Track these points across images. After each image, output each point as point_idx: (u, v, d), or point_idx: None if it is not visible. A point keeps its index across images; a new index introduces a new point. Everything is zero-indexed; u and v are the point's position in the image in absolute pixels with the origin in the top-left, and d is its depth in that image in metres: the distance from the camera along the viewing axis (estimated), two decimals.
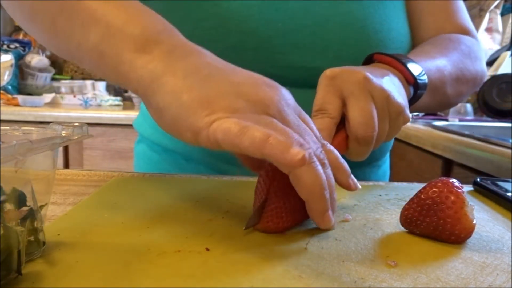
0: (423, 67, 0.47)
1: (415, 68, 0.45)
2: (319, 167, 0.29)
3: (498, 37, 1.83)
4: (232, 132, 0.27)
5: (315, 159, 0.29)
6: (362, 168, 0.59)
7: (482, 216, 0.37)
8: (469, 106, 1.57)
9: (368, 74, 0.39)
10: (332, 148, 0.34)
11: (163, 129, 0.32)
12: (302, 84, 0.51)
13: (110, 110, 1.72)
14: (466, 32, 0.62)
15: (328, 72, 0.40)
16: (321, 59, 0.51)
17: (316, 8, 0.51)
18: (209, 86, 0.30)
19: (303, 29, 0.50)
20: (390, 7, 0.54)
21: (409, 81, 0.45)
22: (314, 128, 0.34)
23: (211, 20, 0.49)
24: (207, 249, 0.28)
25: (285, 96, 0.33)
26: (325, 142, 0.34)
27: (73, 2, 0.34)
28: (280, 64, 0.51)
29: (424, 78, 0.46)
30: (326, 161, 0.31)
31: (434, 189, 0.30)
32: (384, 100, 0.38)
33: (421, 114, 1.60)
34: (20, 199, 0.24)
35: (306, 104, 0.51)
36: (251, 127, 0.27)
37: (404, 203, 0.33)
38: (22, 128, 0.31)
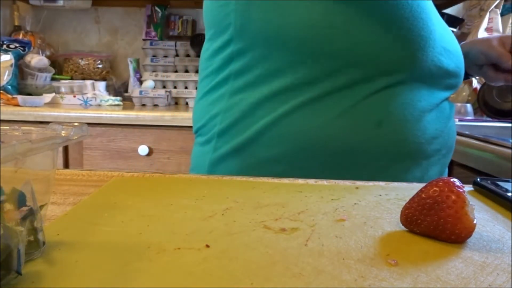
0: None
1: None
2: None
3: None
4: None
5: None
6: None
7: (482, 216, 0.37)
8: (469, 106, 1.57)
9: None
10: None
11: None
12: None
13: (110, 110, 1.72)
14: None
15: None
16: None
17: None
18: None
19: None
20: (432, 8, 0.58)
21: None
22: None
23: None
24: (207, 246, 0.28)
25: None
26: None
27: None
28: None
29: None
30: None
31: (435, 188, 0.30)
32: None
33: None
34: (20, 199, 0.24)
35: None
36: None
37: (404, 203, 0.33)
38: (22, 128, 0.31)
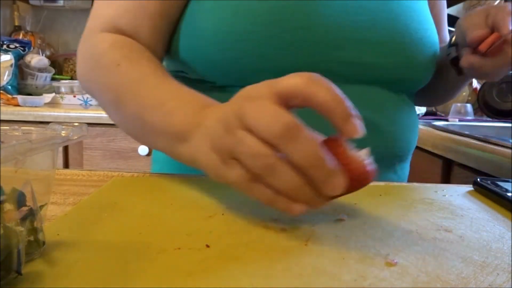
0: None
1: None
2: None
3: None
4: None
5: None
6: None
7: (482, 216, 0.37)
8: (469, 106, 1.57)
9: None
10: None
11: None
12: (354, 80, 0.52)
13: None
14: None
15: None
16: (373, 55, 0.52)
17: (368, 4, 0.52)
18: None
19: (355, 24, 0.52)
20: (421, 5, 0.58)
21: None
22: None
23: (266, 16, 0.49)
24: (207, 246, 0.28)
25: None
26: None
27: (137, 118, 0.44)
28: (334, 60, 0.52)
29: None
30: None
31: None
32: None
33: (421, 114, 1.61)
34: (20, 199, 0.24)
35: (358, 100, 0.51)
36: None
37: (405, 202, 0.33)
38: (22, 128, 0.31)
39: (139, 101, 0.44)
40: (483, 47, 0.52)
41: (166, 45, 0.56)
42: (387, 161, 0.56)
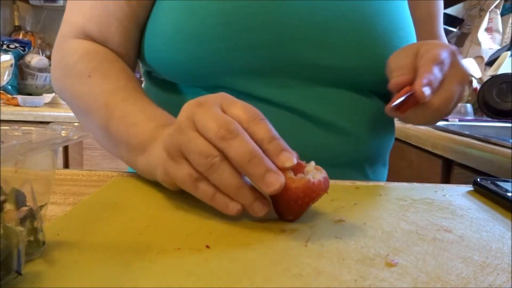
0: None
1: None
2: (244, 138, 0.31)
3: (498, 37, 1.83)
4: None
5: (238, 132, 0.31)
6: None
7: (482, 216, 0.37)
8: (469, 106, 1.57)
9: (469, 74, 0.45)
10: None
11: None
12: (312, 82, 0.51)
13: None
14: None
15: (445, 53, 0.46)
16: (331, 57, 0.51)
17: (325, 6, 0.50)
18: None
19: (313, 26, 0.50)
20: (397, 6, 0.55)
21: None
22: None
23: (217, 17, 0.48)
24: (207, 247, 0.28)
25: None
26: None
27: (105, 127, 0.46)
28: (289, 62, 0.50)
29: None
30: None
31: None
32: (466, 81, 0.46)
33: None
34: (19, 199, 0.24)
35: (322, 102, 0.51)
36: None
37: (405, 202, 0.33)
38: (22, 128, 0.31)
39: (106, 112, 0.46)
40: (392, 103, 0.45)
41: (137, 48, 0.56)
42: (355, 164, 0.55)
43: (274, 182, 0.30)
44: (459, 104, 1.59)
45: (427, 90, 0.43)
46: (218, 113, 0.32)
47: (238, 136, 0.31)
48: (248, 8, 0.48)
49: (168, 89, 0.56)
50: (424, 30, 0.65)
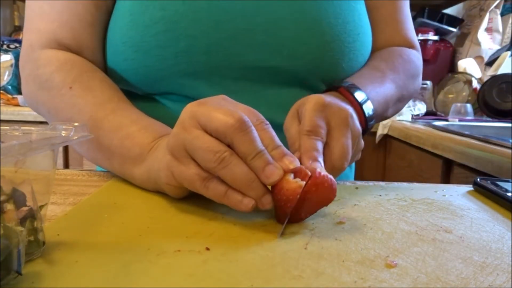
0: (374, 100, 0.49)
1: (368, 109, 0.48)
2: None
3: (498, 37, 1.83)
4: None
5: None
6: None
7: (482, 216, 0.37)
8: (469, 106, 1.57)
9: (352, 113, 0.42)
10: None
11: None
12: (260, 83, 0.52)
13: None
14: (411, 45, 0.65)
15: (321, 100, 0.41)
16: (276, 58, 0.51)
17: (267, 7, 0.50)
18: None
19: (255, 28, 0.49)
20: (352, 8, 0.53)
21: (363, 126, 0.46)
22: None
23: (159, 25, 0.47)
24: (207, 249, 0.28)
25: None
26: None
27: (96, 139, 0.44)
28: (234, 66, 0.50)
29: (372, 122, 0.49)
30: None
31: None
32: (357, 138, 0.43)
33: (421, 114, 1.61)
34: (20, 199, 0.24)
35: (266, 103, 0.51)
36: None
37: (404, 203, 0.33)
38: (22, 128, 0.31)
39: (95, 125, 0.44)
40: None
41: None
42: None
43: (273, 174, 0.31)
44: (459, 104, 1.59)
45: (322, 170, 0.33)
46: (224, 107, 0.32)
47: (248, 130, 0.31)
48: (190, 14, 0.48)
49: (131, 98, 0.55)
50: (381, 14, 0.63)
